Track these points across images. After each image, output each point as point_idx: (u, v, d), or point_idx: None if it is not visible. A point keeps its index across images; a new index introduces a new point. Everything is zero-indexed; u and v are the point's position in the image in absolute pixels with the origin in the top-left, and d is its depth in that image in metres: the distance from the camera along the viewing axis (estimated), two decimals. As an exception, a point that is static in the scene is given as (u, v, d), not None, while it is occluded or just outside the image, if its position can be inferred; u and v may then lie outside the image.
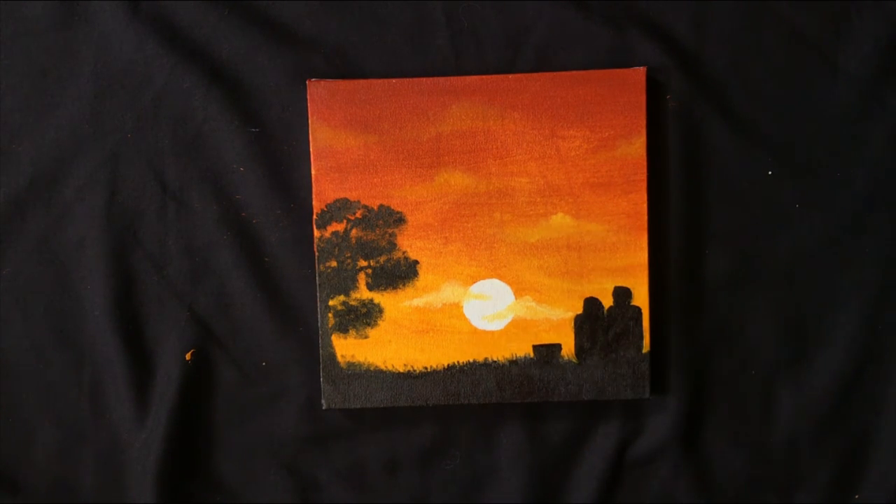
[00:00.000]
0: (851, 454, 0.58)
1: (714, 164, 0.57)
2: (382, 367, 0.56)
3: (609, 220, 0.56)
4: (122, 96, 0.57)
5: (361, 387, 0.56)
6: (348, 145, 0.56)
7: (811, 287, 0.58)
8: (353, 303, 0.56)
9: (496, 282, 0.56)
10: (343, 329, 0.56)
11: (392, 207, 0.56)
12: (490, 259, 0.56)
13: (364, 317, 0.56)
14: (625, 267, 0.56)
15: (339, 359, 0.56)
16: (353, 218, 0.56)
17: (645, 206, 0.56)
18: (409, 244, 0.56)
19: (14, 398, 0.58)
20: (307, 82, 0.56)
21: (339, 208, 0.56)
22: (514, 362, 0.56)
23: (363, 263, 0.56)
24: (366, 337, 0.56)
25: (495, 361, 0.56)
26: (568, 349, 0.56)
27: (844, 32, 0.57)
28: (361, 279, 0.56)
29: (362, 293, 0.56)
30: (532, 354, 0.56)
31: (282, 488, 0.58)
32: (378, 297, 0.56)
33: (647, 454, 0.58)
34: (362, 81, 0.56)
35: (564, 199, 0.56)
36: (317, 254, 0.56)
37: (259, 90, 0.57)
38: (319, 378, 0.57)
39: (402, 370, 0.56)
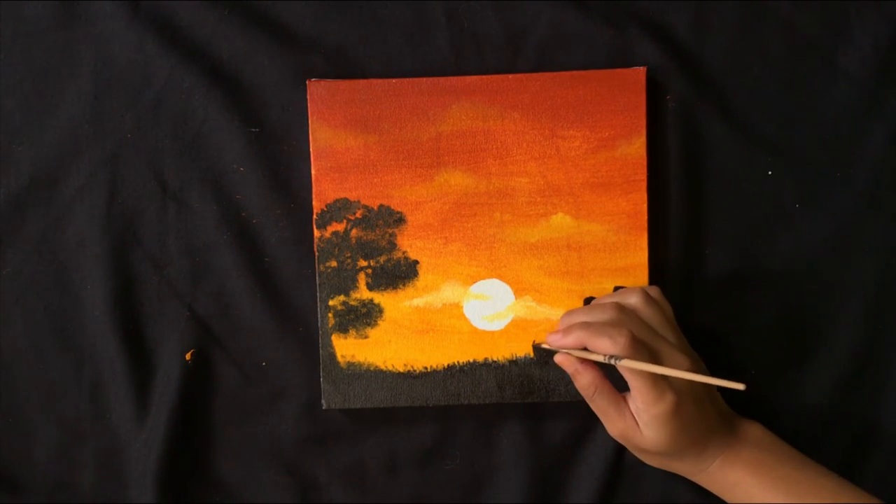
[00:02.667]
0: (851, 454, 0.58)
1: (714, 164, 0.57)
2: (382, 367, 0.56)
3: (609, 220, 0.56)
4: (122, 96, 0.57)
5: (361, 387, 0.56)
6: (348, 145, 0.56)
7: (811, 287, 0.58)
8: (353, 303, 0.56)
9: (496, 282, 0.56)
10: (343, 329, 0.56)
11: (392, 207, 0.56)
12: (490, 259, 0.56)
13: (364, 317, 0.56)
14: (625, 267, 0.56)
15: (339, 359, 0.56)
16: (353, 218, 0.56)
17: (645, 206, 0.56)
18: (409, 244, 0.56)
19: (14, 398, 0.58)
20: (307, 82, 0.56)
21: (339, 208, 0.56)
22: (514, 362, 0.56)
23: (363, 263, 0.56)
24: (366, 337, 0.56)
25: (495, 361, 0.56)
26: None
27: (844, 32, 0.57)
28: (361, 279, 0.56)
29: (362, 293, 0.56)
30: (532, 354, 0.56)
31: (282, 488, 0.58)
32: (378, 297, 0.56)
33: (647, 454, 0.58)
34: (362, 81, 0.56)
35: (564, 199, 0.56)
36: (317, 254, 0.56)
37: (259, 90, 0.57)
38: (319, 378, 0.57)
39: (402, 370, 0.56)
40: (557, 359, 0.51)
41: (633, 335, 0.48)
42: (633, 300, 0.51)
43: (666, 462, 0.52)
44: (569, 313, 0.52)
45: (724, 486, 0.51)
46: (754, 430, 0.53)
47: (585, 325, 0.49)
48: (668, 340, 0.50)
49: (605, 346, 0.48)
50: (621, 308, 0.50)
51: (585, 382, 0.51)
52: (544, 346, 0.54)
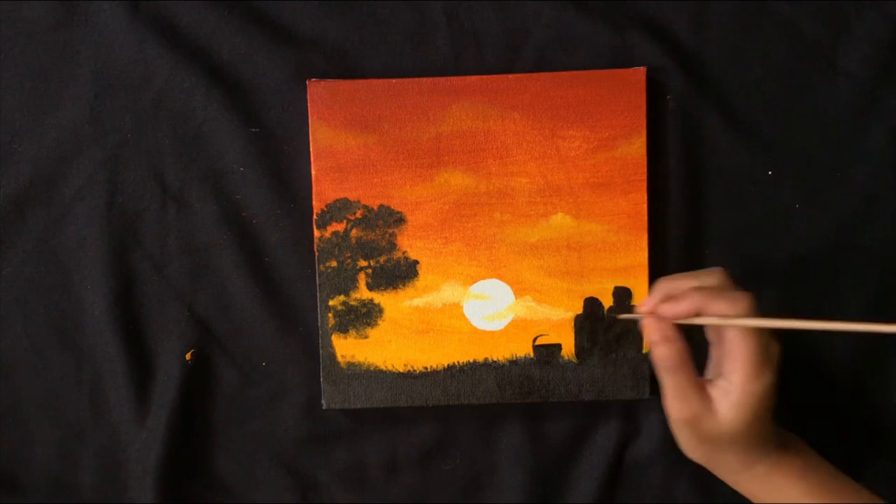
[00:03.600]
0: (851, 454, 0.58)
1: (714, 164, 0.57)
2: (382, 367, 0.56)
3: (609, 220, 0.56)
4: (122, 96, 0.57)
5: (361, 387, 0.56)
6: (348, 145, 0.56)
7: (811, 287, 0.58)
8: (353, 303, 0.56)
9: (496, 282, 0.56)
10: (343, 329, 0.56)
11: (392, 207, 0.56)
12: (490, 259, 0.56)
13: (364, 317, 0.56)
14: (625, 267, 0.56)
15: (339, 359, 0.56)
16: (353, 218, 0.56)
17: (645, 206, 0.56)
18: (409, 244, 0.56)
19: (14, 398, 0.58)
20: (307, 82, 0.56)
21: (339, 208, 0.56)
22: (514, 362, 0.56)
23: (363, 263, 0.56)
24: (366, 337, 0.56)
25: (495, 361, 0.56)
26: (568, 349, 0.56)
27: (844, 32, 0.57)
28: (361, 279, 0.56)
29: (362, 293, 0.56)
30: (532, 354, 0.56)
31: (282, 488, 0.58)
32: (378, 297, 0.56)
33: (648, 454, 0.58)
34: (362, 81, 0.56)
35: (564, 199, 0.56)
36: (317, 254, 0.56)
37: (259, 90, 0.57)
38: (319, 378, 0.57)
39: (402, 370, 0.56)
40: (646, 322, 0.47)
41: (754, 298, 0.45)
42: (717, 279, 0.48)
43: (717, 454, 0.49)
44: (666, 280, 0.49)
45: (767, 487, 0.49)
46: (799, 442, 0.52)
47: (699, 290, 0.46)
48: None
49: (724, 310, 0.45)
50: (728, 273, 0.47)
51: (672, 352, 0.46)
52: (631, 314, 0.53)
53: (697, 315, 0.46)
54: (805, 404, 0.58)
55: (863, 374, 0.58)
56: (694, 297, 0.46)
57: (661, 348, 0.46)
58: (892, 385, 0.58)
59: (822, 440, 0.58)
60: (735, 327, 0.45)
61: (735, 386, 0.46)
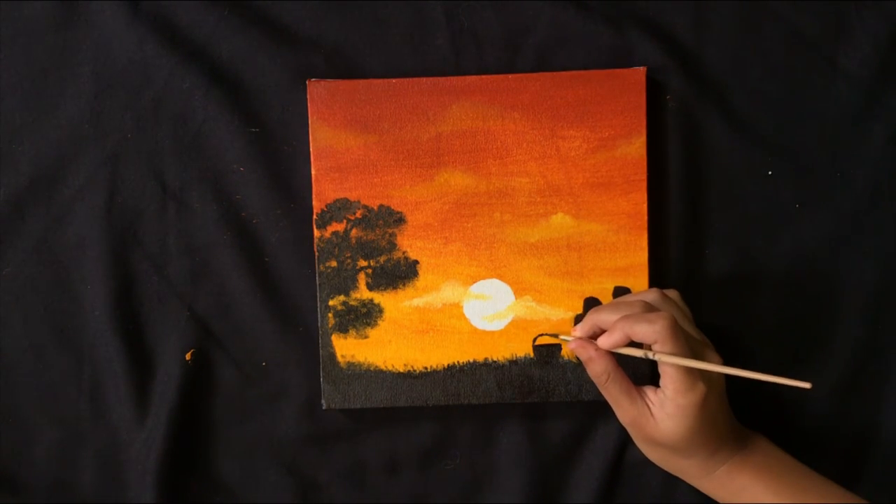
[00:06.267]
0: (851, 454, 0.58)
1: (714, 164, 0.57)
2: (382, 367, 0.56)
3: (609, 220, 0.56)
4: (122, 96, 0.57)
5: (361, 387, 0.56)
6: (348, 145, 0.56)
7: (811, 287, 0.58)
8: (353, 303, 0.56)
9: (496, 282, 0.56)
10: (343, 329, 0.56)
11: (392, 207, 0.56)
12: (490, 259, 0.56)
13: (364, 317, 0.56)
14: (625, 267, 0.56)
15: (339, 359, 0.56)
16: (353, 218, 0.56)
17: (645, 206, 0.56)
18: (409, 244, 0.56)
19: (14, 398, 0.58)
20: (307, 82, 0.56)
21: (339, 208, 0.56)
22: (514, 362, 0.56)
23: (363, 263, 0.56)
24: (366, 337, 0.56)
25: (495, 361, 0.56)
26: (568, 349, 0.56)
27: (844, 32, 0.57)
28: (361, 279, 0.56)
29: (362, 293, 0.56)
30: (532, 354, 0.56)
31: (282, 488, 0.58)
32: (378, 297, 0.56)
33: (647, 454, 0.58)
34: (362, 81, 0.56)
35: (564, 199, 0.56)
36: (317, 254, 0.56)
37: (259, 90, 0.57)
38: (319, 378, 0.57)
39: (402, 370, 0.56)
40: (572, 346, 0.51)
41: (672, 318, 0.47)
42: (651, 297, 0.51)
43: (672, 458, 0.52)
44: (595, 311, 0.52)
45: (730, 489, 0.51)
46: (761, 442, 0.53)
47: (625, 318, 0.49)
48: (696, 338, 0.51)
49: (645, 332, 0.47)
50: (661, 297, 0.51)
51: (599, 370, 0.50)
52: (556, 337, 0.54)
53: (631, 342, 0.49)
54: (804, 404, 0.58)
55: (862, 373, 0.58)
56: (621, 325, 0.49)
57: (589, 367, 0.51)
58: (891, 386, 0.58)
59: (821, 440, 0.58)
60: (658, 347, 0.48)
61: (668, 398, 0.49)
